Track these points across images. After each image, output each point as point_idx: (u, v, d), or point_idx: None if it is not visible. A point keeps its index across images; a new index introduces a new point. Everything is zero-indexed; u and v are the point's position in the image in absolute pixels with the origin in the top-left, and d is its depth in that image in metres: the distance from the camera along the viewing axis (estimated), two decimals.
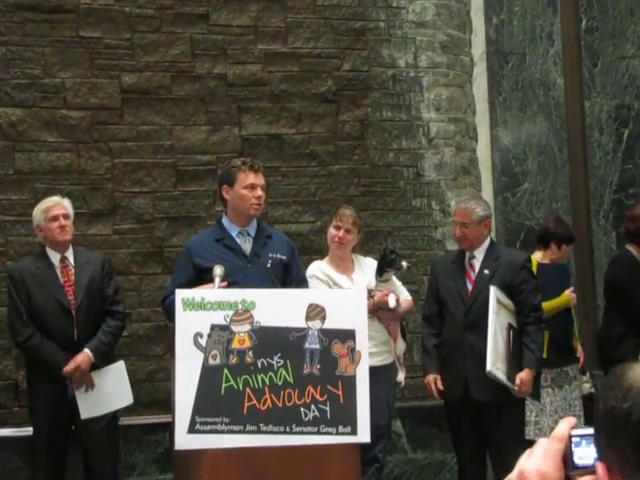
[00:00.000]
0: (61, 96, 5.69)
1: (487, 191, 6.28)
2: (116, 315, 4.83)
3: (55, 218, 4.71)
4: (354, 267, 4.96)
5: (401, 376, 4.97)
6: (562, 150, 6.47)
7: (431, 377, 4.74)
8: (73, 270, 4.75)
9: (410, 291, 5.15)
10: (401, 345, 4.97)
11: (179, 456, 3.86)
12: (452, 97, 6.37)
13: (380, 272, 4.81)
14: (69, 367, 4.56)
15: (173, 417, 3.73)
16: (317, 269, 4.89)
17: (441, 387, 4.70)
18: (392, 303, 4.77)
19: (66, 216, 4.76)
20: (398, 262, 4.79)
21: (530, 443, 4.99)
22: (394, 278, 4.92)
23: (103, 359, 4.72)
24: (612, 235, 6.43)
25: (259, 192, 4.37)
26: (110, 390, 4.73)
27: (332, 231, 4.91)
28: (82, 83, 5.73)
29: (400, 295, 4.91)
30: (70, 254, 4.79)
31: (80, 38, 5.74)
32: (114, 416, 4.80)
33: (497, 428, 4.63)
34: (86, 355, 4.62)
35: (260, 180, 4.41)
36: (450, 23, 6.42)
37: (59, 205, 4.79)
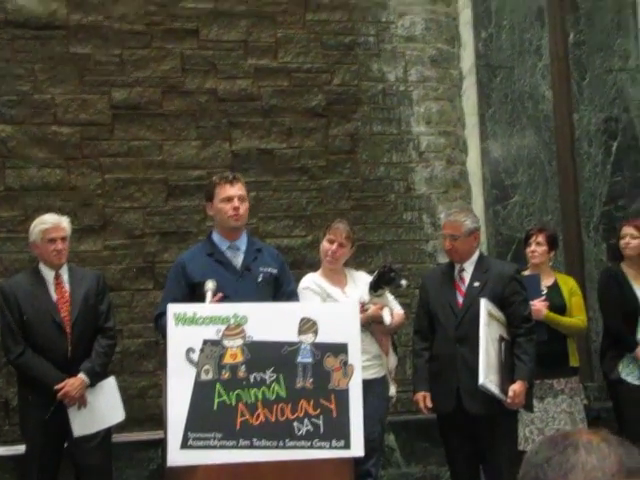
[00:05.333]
0: (51, 112, 5.69)
1: (478, 204, 6.29)
2: (108, 333, 4.80)
3: (53, 241, 4.67)
4: (347, 280, 4.96)
5: (393, 390, 4.96)
6: (552, 163, 6.49)
7: (420, 395, 4.74)
8: (67, 287, 4.73)
9: (402, 304, 5.15)
10: (393, 359, 4.97)
11: (171, 472, 3.84)
12: (442, 111, 6.39)
13: (376, 288, 4.81)
14: (61, 393, 4.54)
15: (165, 433, 3.71)
16: (311, 282, 4.89)
17: (430, 404, 4.70)
18: (387, 319, 4.77)
19: (64, 239, 4.72)
20: (397, 280, 4.80)
21: (523, 454, 4.98)
22: (387, 292, 4.92)
23: (97, 379, 4.71)
24: (602, 247, 6.45)
25: (235, 203, 4.39)
26: (102, 407, 4.70)
27: (325, 245, 4.92)
28: (72, 99, 5.73)
29: (393, 309, 4.91)
30: (64, 271, 4.77)
31: (70, 54, 5.75)
32: (107, 433, 4.77)
33: (490, 440, 4.62)
34: (80, 379, 4.60)
35: (237, 191, 4.43)
36: (439, 37, 6.45)
37: (58, 227, 4.72)
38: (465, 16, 6.50)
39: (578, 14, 6.65)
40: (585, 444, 1.27)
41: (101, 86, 5.78)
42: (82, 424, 4.60)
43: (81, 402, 4.60)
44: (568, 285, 5.56)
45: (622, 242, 5.47)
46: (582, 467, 1.24)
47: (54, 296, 4.69)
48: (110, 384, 4.80)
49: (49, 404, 4.55)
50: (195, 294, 4.24)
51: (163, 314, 4.03)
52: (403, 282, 4.83)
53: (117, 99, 5.80)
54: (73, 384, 4.57)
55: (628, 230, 5.47)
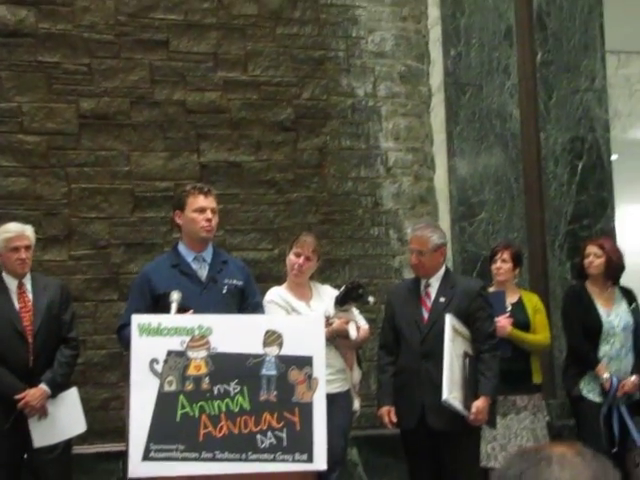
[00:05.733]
0: (17, 120, 5.64)
1: (444, 220, 6.32)
2: (71, 343, 4.76)
3: (16, 250, 4.64)
4: (312, 294, 4.96)
5: (357, 404, 4.95)
6: (518, 181, 6.55)
7: (385, 409, 4.74)
8: (30, 296, 4.69)
9: (367, 319, 5.15)
10: (357, 373, 4.97)
11: None
12: (410, 127, 6.43)
13: (342, 303, 4.80)
14: (22, 403, 4.48)
15: (127, 445, 3.67)
16: (276, 295, 4.88)
17: (394, 419, 4.70)
18: (353, 334, 4.77)
19: (28, 247, 4.69)
20: (365, 297, 4.80)
21: (485, 472, 5.02)
22: (353, 307, 4.92)
23: (59, 390, 4.65)
24: (567, 265, 6.51)
25: (209, 214, 4.38)
26: (63, 418, 4.66)
27: (292, 258, 4.91)
28: (39, 108, 5.69)
29: (358, 323, 4.91)
30: (27, 280, 4.73)
31: (38, 62, 5.71)
32: (67, 445, 4.72)
33: (453, 456, 4.62)
34: (42, 389, 4.55)
35: (210, 203, 4.42)
36: (409, 54, 6.49)
37: (22, 236, 4.69)
38: (435, 33, 6.56)
39: (546, 34, 6.73)
40: (559, 458, 1.26)
41: (69, 95, 5.75)
42: (42, 435, 4.54)
43: (42, 413, 4.55)
44: (532, 302, 5.60)
45: (586, 261, 5.52)
46: None
47: (17, 305, 4.65)
48: (72, 395, 4.75)
49: (9, 414, 4.49)
50: (159, 305, 4.21)
51: (126, 325, 4.00)
52: (370, 299, 4.84)
53: (85, 109, 5.76)
54: (34, 394, 4.52)
55: (592, 249, 5.52)
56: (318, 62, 6.26)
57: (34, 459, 4.58)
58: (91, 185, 5.74)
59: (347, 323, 4.79)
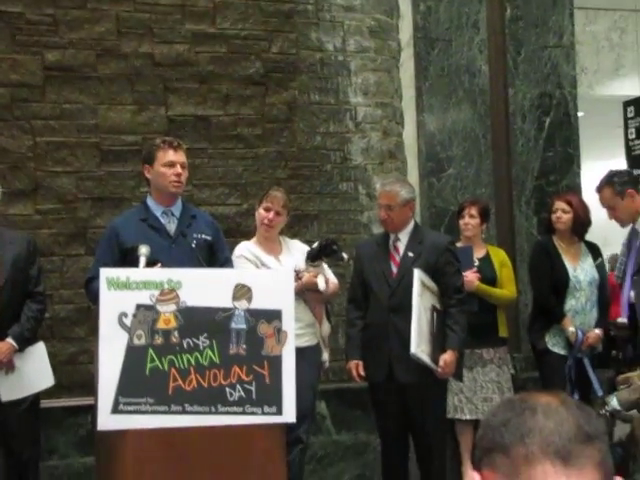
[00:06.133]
0: None
1: (413, 176, 6.33)
2: (38, 297, 4.73)
3: None
4: (282, 249, 4.97)
5: (326, 356, 5.00)
6: (486, 136, 6.56)
7: (353, 363, 4.79)
8: None
9: (336, 274, 5.17)
10: (326, 327, 5.00)
11: (101, 437, 3.82)
12: (379, 82, 6.40)
13: (314, 259, 4.82)
14: None
15: (96, 398, 3.68)
16: (245, 249, 4.88)
17: (362, 373, 4.75)
18: (322, 285, 4.79)
19: None
20: (339, 253, 4.82)
21: (452, 423, 5.10)
22: (323, 262, 4.94)
23: (26, 344, 4.63)
24: (533, 220, 6.56)
25: (178, 169, 4.36)
26: (31, 372, 4.64)
27: (262, 212, 4.91)
28: (2, 59, 5.58)
29: (328, 277, 4.93)
30: None
31: (0, 12, 5.59)
32: (35, 399, 4.71)
33: (420, 409, 4.69)
34: (8, 344, 4.53)
35: (180, 158, 4.39)
36: (378, 8, 6.44)
37: None
38: None
39: None
40: (543, 407, 1.28)
41: (33, 46, 5.64)
42: (10, 389, 4.53)
43: (9, 367, 4.53)
44: (499, 257, 5.66)
45: (554, 216, 5.58)
46: (539, 431, 1.24)
47: None
48: (39, 349, 4.73)
49: None
50: (127, 259, 4.20)
51: (94, 279, 3.99)
52: (344, 255, 4.87)
53: (50, 60, 5.66)
54: (1, 348, 4.49)
55: (560, 205, 5.57)
56: (287, 15, 6.19)
57: (2, 413, 4.57)
58: (57, 139, 5.66)
59: (316, 276, 4.81)
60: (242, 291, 3.75)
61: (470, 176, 6.47)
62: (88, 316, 5.37)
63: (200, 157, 5.85)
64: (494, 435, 1.28)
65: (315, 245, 4.89)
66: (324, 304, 5.02)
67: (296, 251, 4.95)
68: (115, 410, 3.57)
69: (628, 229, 5.21)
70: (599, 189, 5.20)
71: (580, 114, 6.95)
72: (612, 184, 5.12)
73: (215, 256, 4.47)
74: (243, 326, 3.74)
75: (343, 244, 5.96)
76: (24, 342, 4.60)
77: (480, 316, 5.27)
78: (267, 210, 4.89)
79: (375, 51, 6.40)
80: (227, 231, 5.30)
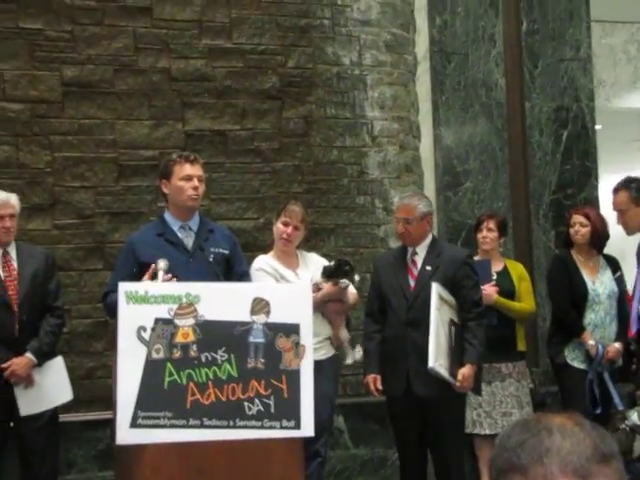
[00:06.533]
0: (0, 88, 5.58)
1: (429, 189, 6.32)
2: (56, 312, 4.76)
3: (1, 218, 4.61)
4: (299, 263, 4.97)
5: (356, 354, 4.98)
6: (503, 150, 6.55)
7: (371, 377, 4.77)
8: (15, 265, 4.67)
9: None
10: (345, 332, 4.98)
11: (120, 451, 3.82)
12: (396, 96, 6.41)
13: (330, 277, 4.81)
14: (8, 372, 4.48)
15: (114, 412, 3.68)
16: (264, 263, 4.88)
17: (380, 387, 4.73)
18: (352, 290, 4.81)
19: (12, 216, 4.67)
20: (352, 274, 4.83)
21: (469, 437, 5.07)
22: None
23: (45, 359, 4.65)
24: (551, 234, 6.53)
25: (195, 183, 4.36)
26: (50, 386, 4.66)
27: (280, 227, 4.91)
28: (22, 75, 5.62)
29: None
30: (12, 249, 4.71)
31: (20, 29, 5.64)
32: (54, 413, 4.72)
33: (438, 423, 4.67)
34: (27, 358, 4.55)
35: (197, 171, 4.40)
36: (394, 22, 6.46)
37: (7, 204, 4.67)
38: (420, 1, 6.52)
39: (531, 2, 6.71)
40: (559, 428, 1.28)
41: (52, 63, 5.68)
42: (29, 403, 4.55)
43: (28, 381, 4.55)
44: (517, 271, 5.64)
45: (572, 230, 5.56)
46: (557, 451, 1.24)
47: (2, 274, 4.63)
48: (58, 364, 4.76)
49: None
50: (144, 274, 4.20)
51: (111, 292, 4.00)
52: (356, 277, 4.89)
53: (68, 76, 5.70)
54: (20, 363, 4.51)
55: (578, 218, 5.56)
56: (303, 30, 6.21)
57: (21, 427, 4.58)
58: (75, 154, 5.69)
59: (336, 285, 4.80)
60: (260, 305, 3.75)
61: (487, 190, 6.45)
62: (106, 330, 5.38)
63: (217, 171, 5.86)
64: (510, 456, 1.27)
65: (332, 263, 4.89)
66: (344, 315, 5.01)
67: (313, 264, 4.95)
68: (134, 424, 3.57)
69: (639, 239, 5.17)
70: (615, 190, 5.19)
71: (598, 127, 6.93)
72: (630, 189, 5.11)
73: (232, 270, 4.47)
74: (261, 340, 3.74)
75: (360, 258, 5.97)
76: (43, 356, 4.62)
77: (498, 330, 5.24)
78: (285, 225, 4.89)
79: (391, 65, 6.41)
80: (244, 245, 5.31)
